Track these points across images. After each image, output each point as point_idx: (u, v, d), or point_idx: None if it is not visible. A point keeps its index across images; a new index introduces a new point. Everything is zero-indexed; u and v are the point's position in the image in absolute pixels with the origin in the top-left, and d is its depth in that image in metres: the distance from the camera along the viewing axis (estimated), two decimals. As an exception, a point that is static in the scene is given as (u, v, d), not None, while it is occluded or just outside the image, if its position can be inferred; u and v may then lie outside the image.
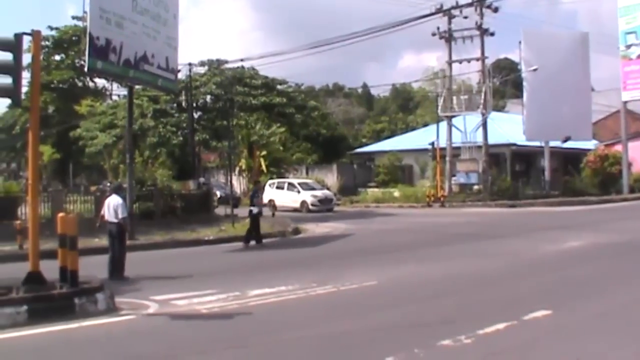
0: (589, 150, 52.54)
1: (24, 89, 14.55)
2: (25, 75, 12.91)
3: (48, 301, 11.47)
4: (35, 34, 12.30)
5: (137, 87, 30.32)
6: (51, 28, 57.39)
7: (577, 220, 30.04)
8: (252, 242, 23.68)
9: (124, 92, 40.01)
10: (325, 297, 13.16)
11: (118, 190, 17.58)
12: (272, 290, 13.64)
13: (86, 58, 21.53)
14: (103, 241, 18.39)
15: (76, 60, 54.55)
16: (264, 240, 24.30)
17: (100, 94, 61.58)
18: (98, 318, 11.37)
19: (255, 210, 24.13)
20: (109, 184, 31.83)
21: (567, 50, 47.47)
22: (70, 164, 59.18)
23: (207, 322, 11.33)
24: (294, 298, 13.01)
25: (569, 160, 53.86)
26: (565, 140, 47.38)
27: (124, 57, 22.77)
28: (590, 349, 8.93)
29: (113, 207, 16.43)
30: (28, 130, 12.60)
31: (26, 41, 12.32)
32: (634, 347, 8.98)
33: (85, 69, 25.01)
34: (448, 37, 47.11)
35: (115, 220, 16.38)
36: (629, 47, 49.02)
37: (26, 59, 12.91)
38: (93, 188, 38.06)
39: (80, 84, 61.49)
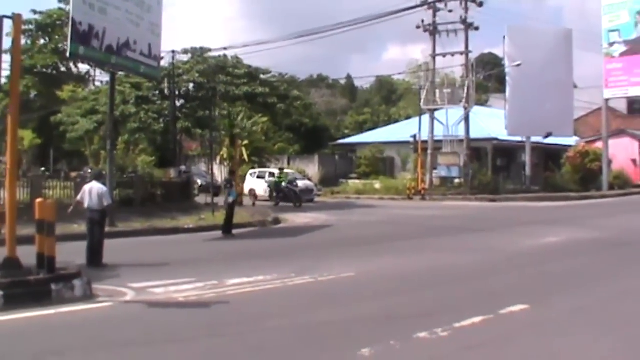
0: (570, 146, 52.78)
1: (5, 73, 14.41)
2: (6, 59, 12.75)
3: (24, 287, 11.39)
4: (16, 17, 12.20)
5: (119, 73, 30.15)
6: (35, 12, 57.01)
7: (557, 216, 30.20)
8: (234, 231, 23.72)
9: (106, 78, 39.81)
10: (303, 287, 13.17)
11: (99, 177, 17.47)
12: (249, 279, 13.62)
13: (68, 43, 21.44)
14: (82, 227, 18.29)
15: (60, 45, 54.13)
16: (241, 231, 24.30)
17: (83, 80, 61.18)
18: (75, 304, 11.32)
19: (230, 199, 24.11)
20: (89, 171, 31.63)
21: (550, 47, 47.58)
22: (51, 149, 58.75)
23: (184, 310, 11.31)
24: (271, 288, 13.00)
25: (550, 156, 54.12)
26: (546, 136, 47.59)
27: (107, 43, 22.67)
28: (567, 343, 8.98)
29: (97, 194, 16.29)
30: (8, 115, 12.50)
31: (8, 25, 12.22)
32: (610, 341, 9.04)
33: (67, 54, 24.83)
34: (432, 31, 47.13)
35: (98, 208, 16.30)
36: (611, 44, 49.26)
37: (8, 42, 12.77)
38: (73, 174, 37.78)
39: (63, 69, 61.05)
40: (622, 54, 48.69)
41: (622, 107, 71.65)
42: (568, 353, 8.57)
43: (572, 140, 54.96)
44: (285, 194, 38.73)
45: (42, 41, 59.32)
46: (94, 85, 59.52)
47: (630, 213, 31.04)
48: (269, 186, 40.87)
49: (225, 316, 10.73)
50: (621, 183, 51.63)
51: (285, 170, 43.09)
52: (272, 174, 43.55)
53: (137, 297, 12.15)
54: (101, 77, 56.82)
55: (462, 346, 8.76)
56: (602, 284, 13.39)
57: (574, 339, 9.21)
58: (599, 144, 51.60)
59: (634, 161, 61.33)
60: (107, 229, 17.60)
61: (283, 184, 39.07)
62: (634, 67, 47.80)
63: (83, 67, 59.77)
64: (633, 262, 16.58)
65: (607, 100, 50.75)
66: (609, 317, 10.46)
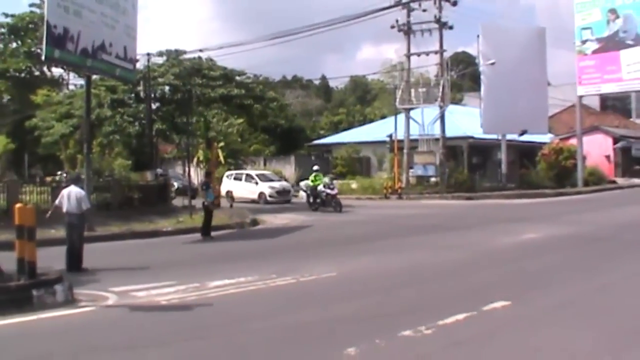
0: (544, 143, 53.08)
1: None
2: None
3: (5, 293, 11.28)
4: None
5: (94, 76, 29.98)
6: (6, 15, 56.50)
7: (533, 213, 30.38)
8: (213, 234, 23.68)
9: (81, 81, 39.71)
10: (285, 288, 13.16)
11: (77, 180, 17.39)
12: (231, 281, 13.61)
13: (43, 46, 21.32)
14: (60, 232, 18.18)
15: (33, 49, 53.72)
16: (219, 233, 24.27)
17: (57, 84, 60.79)
18: (56, 310, 11.25)
19: (207, 201, 24.07)
20: (65, 175, 31.46)
21: (524, 45, 47.86)
22: (25, 154, 58.36)
23: (167, 313, 11.28)
24: (253, 289, 12.99)
25: (525, 153, 54.43)
26: (521, 134, 47.86)
27: (82, 46, 22.58)
28: (550, 337, 9.03)
29: (76, 198, 16.20)
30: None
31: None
32: (591, 336, 9.10)
33: (43, 58, 24.67)
34: (407, 30, 47.25)
35: (77, 212, 16.20)
36: (584, 42, 49.63)
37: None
38: (49, 179, 37.58)
39: (37, 72, 60.64)
40: (595, 52, 49.07)
41: (595, 104, 72.52)
42: (550, 348, 8.61)
43: (546, 138, 55.33)
44: (322, 200, 35.06)
45: (14, 44, 58.84)
46: (67, 89, 59.11)
47: (605, 208, 31.25)
48: (304, 191, 37.93)
49: (208, 318, 10.70)
50: (596, 179, 52.06)
51: (263, 172, 43.02)
52: (249, 176, 43.55)
53: (119, 301, 12.10)
54: (75, 80, 56.55)
55: (447, 343, 8.81)
56: (582, 278, 13.49)
57: (556, 333, 9.26)
58: (573, 141, 52.00)
59: (607, 157, 62.03)
60: (85, 233, 17.47)
61: (319, 187, 35.36)
62: (606, 65, 48.21)
63: (57, 71, 59.47)
64: (610, 256, 16.70)
65: (580, 97, 51.16)
66: (589, 312, 10.56)
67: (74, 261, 15.70)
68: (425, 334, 9.18)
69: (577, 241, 19.66)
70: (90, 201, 18.39)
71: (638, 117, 76.26)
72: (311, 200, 35.83)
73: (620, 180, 56.04)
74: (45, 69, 59.76)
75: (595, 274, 14.00)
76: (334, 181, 38.59)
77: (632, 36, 47.18)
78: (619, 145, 63.52)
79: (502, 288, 12.29)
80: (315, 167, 38.45)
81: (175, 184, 43.91)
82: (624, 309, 10.68)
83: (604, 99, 73.21)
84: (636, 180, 56.86)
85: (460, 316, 10.08)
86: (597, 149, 59.66)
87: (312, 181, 35.76)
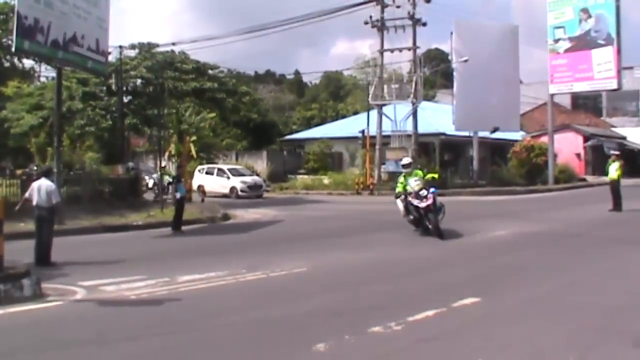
0: (516, 141, 53.41)
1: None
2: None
3: (-29, 286, 11.20)
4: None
5: (66, 68, 29.74)
6: (-24, 6, 55.87)
7: (504, 210, 30.50)
8: (184, 228, 23.63)
9: (52, 73, 39.30)
10: (255, 283, 13.14)
11: (47, 173, 17.24)
12: (201, 276, 13.56)
13: (13, 37, 21.11)
14: (29, 226, 18.02)
15: (4, 40, 53.17)
16: (190, 227, 24.21)
17: (28, 75, 60.18)
18: (24, 304, 11.16)
19: (178, 195, 24.02)
20: (35, 167, 31.19)
21: (497, 43, 48.05)
22: (-6, 147, 57.84)
23: (136, 308, 11.22)
24: (223, 284, 12.97)
25: (496, 150, 54.68)
26: (493, 131, 48.02)
27: (53, 37, 22.42)
28: (519, 334, 9.07)
29: (46, 191, 16.06)
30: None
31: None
32: (561, 331, 9.13)
33: (13, 49, 24.45)
34: (380, 26, 47.22)
35: (47, 205, 16.06)
36: (557, 41, 49.87)
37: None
38: (19, 171, 37.28)
39: (7, 64, 59.99)
40: (567, 50, 49.33)
41: (566, 102, 73.06)
42: (519, 344, 8.65)
43: (518, 135, 55.67)
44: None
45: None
46: (39, 80, 58.57)
47: (575, 206, 31.44)
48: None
49: (177, 313, 10.65)
50: (566, 177, 52.40)
51: (234, 166, 42.82)
52: (221, 170, 43.52)
53: (88, 295, 12.02)
54: (47, 72, 55.94)
55: (416, 339, 8.82)
56: (551, 275, 13.54)
57: (524, 330, 9.30)
58: (545, 139, 52.31)
59: (578, 155, 62.49)
60: (55, 226, 17.32)
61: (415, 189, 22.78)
62: (578, 63, 48.49)
63: (28, 63, 58.88)
64: (580, 253, 16.81)
65: (552, 95, 51.40)
66: (558, 308, 10.60)
67: (43, 255, 15.55)
68: (395, 330, 9.18)
69: (547, 238, 19.77)
70: (61, 194, 18.23)
71: (609, 115, 76.89)
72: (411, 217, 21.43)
73: (591, 178, 56.40)
74: (16, 60, 59.15)
75: (565, 271, 14.07)
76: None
77: (603, 36, 47.50)
78: (589, 143, 64.01)
79: (472, 284, 12.32)
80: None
81: (147, 178, 43.78)
82: (592, 306, 10.73)
83: (576, 98, 73.71)
84: (606, 178, 57.27)
85: (430, 312, 10.11)
86: (568, 147, 60.08)
87: (401, 183, 21.79)
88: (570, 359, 8.02)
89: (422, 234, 20.17)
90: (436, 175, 21.43)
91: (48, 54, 23.29)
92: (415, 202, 20.30)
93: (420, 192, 20.14)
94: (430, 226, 20.00)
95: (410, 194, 20.44)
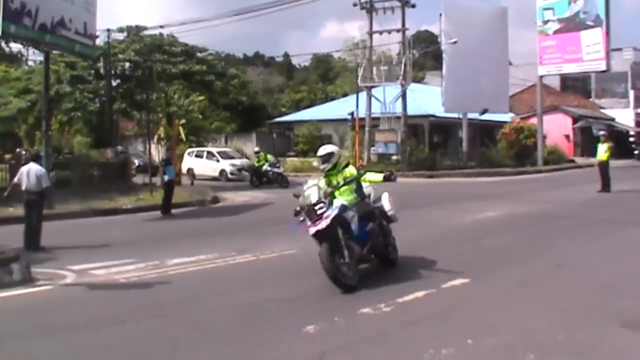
0: (505, 122, 53.32)
1: None
2: None
3: (-40, 271, 11.18)
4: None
5: (53, 52, 29.57)
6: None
7: (494, 191, 30.53)
8: (173, 211, 23.64)
9: (40, 57, 39.10)
10: (245, 265, 13.17)
11: (36, 158, 17.17)
12: (191, 259, 13.58)
13: (0, 22, 20.95)
14: (18, 210, 17.96)
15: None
16: (180, 210, 24.22)
17: (15, 59, 59.92)
18: (14, 289, 11.17)
19: (166, 178, 24.01)
20: (24, 152, 31.07)
21: (486, 24, 47.94)
22: (-18, 132, 57.54)
23: (126, 291, 11.23)
24: (213, 267, 13.00)
25: (485, 132, 54.76)
26: (482, 113, 48.00)
27: (40, 21, 22.27)
28: (508, 315, 9.12)
29: (36, 175, 16.04)
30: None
31: None
32: (550, 313, 9.17)
33: (-1, 34, 24.30)
34: (369, 8, 47.05)
35: (37, 190, 16.02)
36: (546, 22, 49.81)
37: None
38: (7, 156, 37.10)
39: (-6, 48, 59.80)
40: (556, 32, 49.26)
41: (555, 84, 73.01)
42: (508, 324, 8.68)
43: (507, 117, 55.62)
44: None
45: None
46: (27, 64, 58.32)
47: (564, 187, 31.51)
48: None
49: (167, 296, 10.66)
50: (555, 158, 52.44)
51: (224, 149, 42.88)
52: (210, 153, 43.42)
53: (78, 279, 12.03)
54: (34, 56, 55.81)
55: (406, 320, 8.85)
56: (540, 257, 13.56)
57: (513, 311, 9.35)
58: (534, 120, 52.29)
59: (567, 137, 62.65)
60: (44, 211, 17.27)
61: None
62: (567, 45, 48.45)
63: (15, 47, 58.64)
64: (568, 235, 16.83)
65: (541, 77, 51.38)
66: (547, 290, 10.63)
67: (32, 239, 15.55)
68: (384, 312, 9.22)
69: (536, 219, 19.79)
70: (50, 179, 18.19)
71: (597, 97, 76.93)
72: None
73: (580, 160, 56.52)
74: (3, 44, 58.86)
75: (553, 253, 14.09)
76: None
77: (592, 17, 47.46)
78: (578, 124, 64.16)
79: (462, 266, 12.31)
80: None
81: (136, 162, 43.62)
82: (581, 287, 10.76)
83: (565, 79, 73.71)
84: (594, 160, 57.41)
85: (420, 294, 10.15)
86: (557, 129, 60.21)
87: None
88: (559, 339, 8.05)
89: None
90: (379, 179, 12.55)
91: (35, 37, 23.13)
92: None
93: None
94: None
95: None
